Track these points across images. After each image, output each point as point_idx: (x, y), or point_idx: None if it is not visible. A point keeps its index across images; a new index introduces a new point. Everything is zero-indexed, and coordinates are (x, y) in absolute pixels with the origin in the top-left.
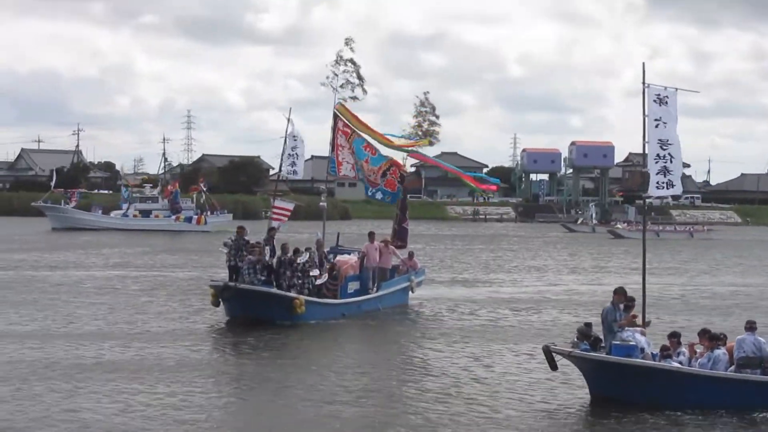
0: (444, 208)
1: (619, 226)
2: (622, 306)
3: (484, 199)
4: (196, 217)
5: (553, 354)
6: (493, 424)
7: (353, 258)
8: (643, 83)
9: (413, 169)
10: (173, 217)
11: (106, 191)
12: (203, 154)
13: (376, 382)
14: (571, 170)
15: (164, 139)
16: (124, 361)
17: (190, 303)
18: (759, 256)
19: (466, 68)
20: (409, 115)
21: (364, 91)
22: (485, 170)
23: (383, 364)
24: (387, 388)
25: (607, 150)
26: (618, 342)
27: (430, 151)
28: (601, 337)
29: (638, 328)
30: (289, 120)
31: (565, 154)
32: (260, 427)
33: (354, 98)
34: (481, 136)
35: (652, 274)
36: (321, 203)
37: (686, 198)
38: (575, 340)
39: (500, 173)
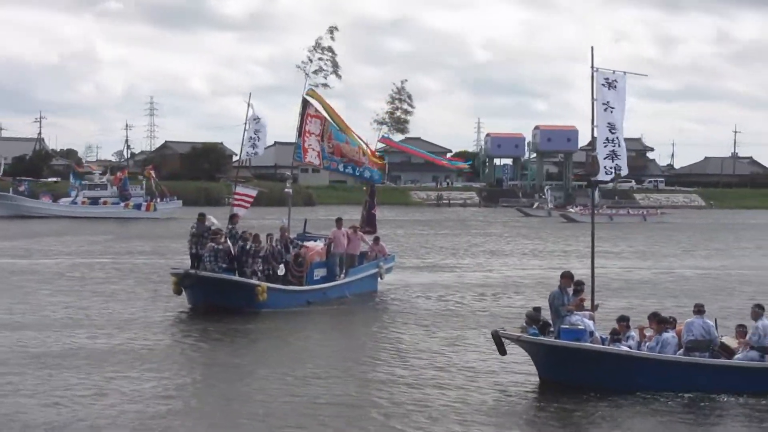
0: (407, 194)
1: (571, 210)
2: (570, 290)
3: (448, 183)
4: (145, 203)
5: (503, 339)
6: (440, 411)
7: (319, 244)
8: (592, 67)
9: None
10: (122, 204)
11: (53, 179)
12: (166, 141)
13: (346, 369)
14: (534, 155)
15: (127, 126)
16: (93, 350)
17: (154, 290)
18: (720, 240)
19: (430, 53)
20: (373, 100)
21: (338, 76)
22: (449, 155)
23: (352, 350)
24: (356, 374)
25: (571, 134)
26: (566, 326)
27: (395, 137)
28: (550, 321)
29: (587, 312)
30: (249, 104)
31: (529, 138)
32: (231, 414)
33: (325, 86)
34: (445, 121)
35: (621, 258)
36: (286, 189)
37: (650, 181)
38: (524, 324)
39: (464, 158)
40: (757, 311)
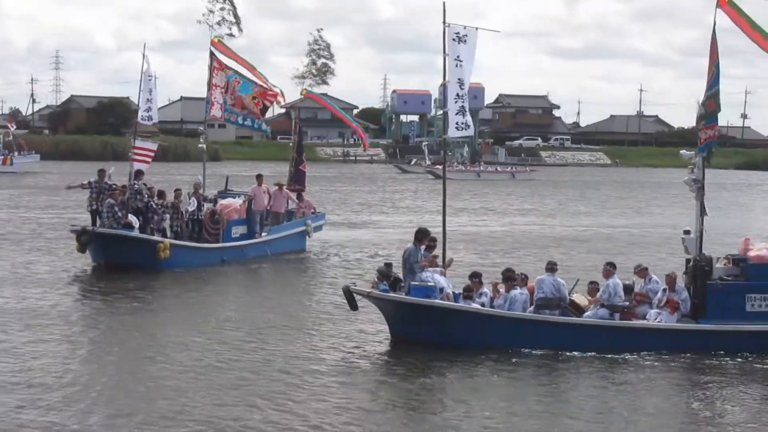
0: (314, 149)
1: (438, 167)
2: (423, 247)
3: (355, 140)
4: (1, 157)
5: (353, 294)
6: (283, 369)
7: (238, 201)
8: (444, 22)
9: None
10: None
11: None
12: (72, 95)
13: (246, 327)
14: (441, 111)
15: (32, 80)
16: None
17: (56, 248)
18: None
19: (336, 8)
20: (280, 56)
21: (240, 30)
22: (355, 111)
23: (260, 309)
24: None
25: (477, 91)
26: (417, 282)
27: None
28: (402, 277)
29: (438, 269)
30: (144, 55)
31: (435, 95)
32: (135, 379)
33: (230, 35)
34: (351, 77)
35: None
36: (200, 145)
37: (556, 139)
38: (375, 280)
39: (370, 114)
40: (609, 269)
